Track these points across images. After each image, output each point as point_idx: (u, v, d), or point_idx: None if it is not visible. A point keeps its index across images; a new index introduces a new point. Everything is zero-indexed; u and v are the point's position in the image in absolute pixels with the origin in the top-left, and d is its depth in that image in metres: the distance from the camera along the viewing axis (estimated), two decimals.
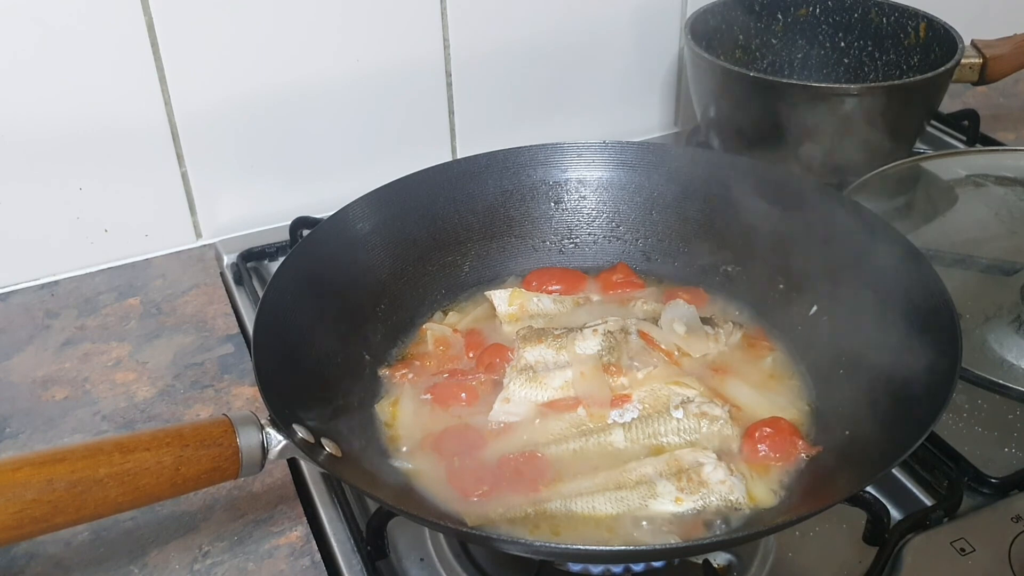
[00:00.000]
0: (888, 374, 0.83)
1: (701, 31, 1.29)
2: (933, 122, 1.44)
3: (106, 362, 1.03)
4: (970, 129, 1.40)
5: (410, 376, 0.92)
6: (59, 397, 0.98)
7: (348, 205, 0.97)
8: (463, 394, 0.89)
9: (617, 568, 0.78)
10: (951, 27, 1.27)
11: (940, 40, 1.27)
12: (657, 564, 0.79)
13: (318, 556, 0.81)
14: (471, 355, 0.95)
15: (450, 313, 1.01)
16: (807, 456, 0.82)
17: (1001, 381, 0.90)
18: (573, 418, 0.86)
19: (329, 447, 0.75)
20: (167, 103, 1.13)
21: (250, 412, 0.73)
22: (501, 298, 1.00)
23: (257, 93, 1.17)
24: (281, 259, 0.97)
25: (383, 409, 0.89)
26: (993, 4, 1.60)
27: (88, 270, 1.17)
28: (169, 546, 0.82)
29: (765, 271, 1.01)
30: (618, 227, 1.08)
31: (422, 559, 0.81)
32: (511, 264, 1.06)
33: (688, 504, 0.77)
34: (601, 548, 0.73)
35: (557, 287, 1.04)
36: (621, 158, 1.07)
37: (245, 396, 0.98)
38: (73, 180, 1.13)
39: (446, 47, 1.25)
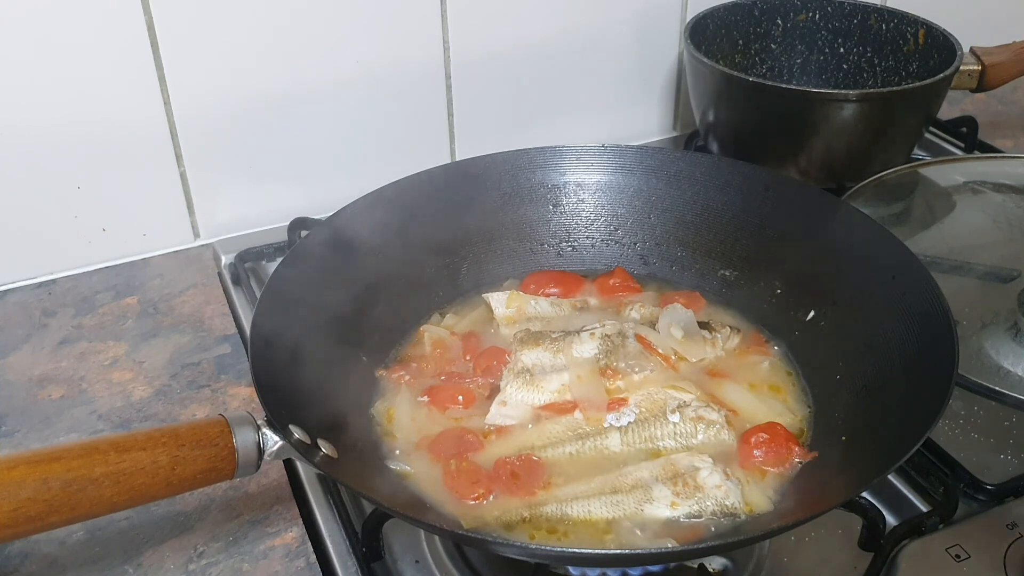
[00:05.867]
0: (885, 380, 0.83)
1: (700, 35, 1.29)
2: (931, 128, 1.44)
3: (103, 361, 1.03)
4: (968, 136, 1.41)
5: (407, 378, 0.92)
6: (55, 396, 0.98)
7: (346, 206, 0.97)
8: (460, 396, 0.89)
9: (613, 572, 0.78)
10: (950, 34, 1.27)
11: (939, 47, 1.28)
12: (653, 568, 0.79)
13: (313, 557, 0.81)
14: (468, 358, 0.95)
15: (447, 315, 1.01)
16: (803, 461, 0.82)
17: (998, 388, 0.90)
18: (570, 421, 0.86)
19: (325, 448, 0.75)
20: (166, 103, 1.13)
21: (246, 412, 0.72)
22: (499, 301, 1.00)
23: (257, 94, 1.17)
24: (279, 259, 0.97)
25: (380, 411, 0.89)
26: (992, 12, 1.60)
27: (85, 269, 1.17)
28: (164, 546, 0.81)
29: (763, 276, 1.01)
30: (616, 231, 1.08)
31: (417, 561, 0.81)
32: (509, 267, 1.06)
33: (684, 508, 0.77)
34: (597, 551, 0.73)
35: (555, 290, 1.04)
36: (620, 162, 1.07)
37: (242, 396, 0.98)
38: (71, 179, 1.12)
39: (446, 50, 1.25)
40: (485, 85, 1.30)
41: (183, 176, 1.18)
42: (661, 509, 0.77)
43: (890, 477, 0.86)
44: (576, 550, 0.73)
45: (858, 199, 1.15)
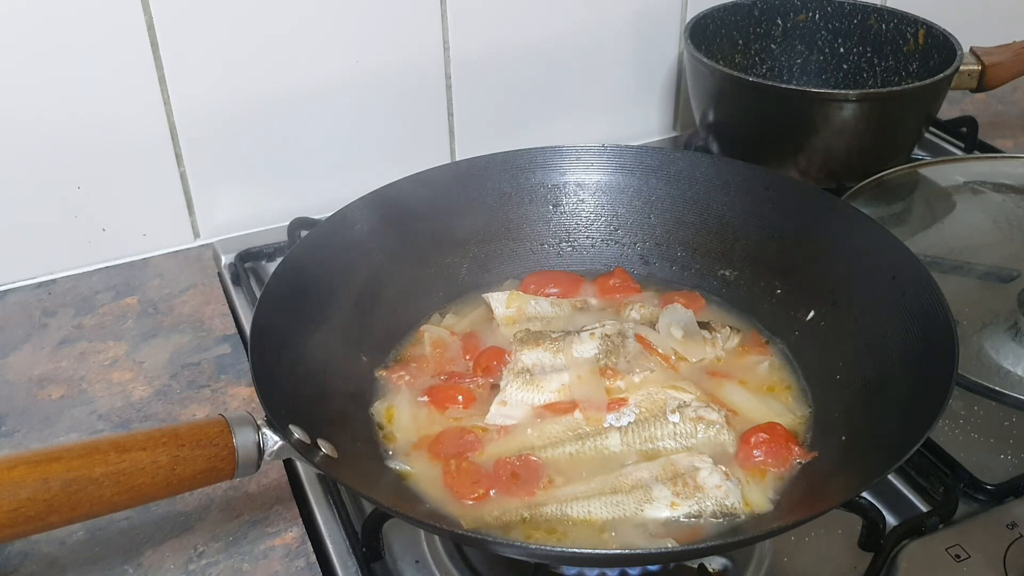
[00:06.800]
0: (885, 380, 0.83)
1: (700, 35, 1.29)
2: (931, 128, 1.44)
3: (103, 361, 1.03)
4: (968, 136, 1.41)
5: (407, 378, 0.92)
6: (55, 396, 0.98)
7: (346, 206, 0.97)
8: (460, 396, 0.89)
9: (612, 572, 0.78)
10: (950, 34, 1.27)
11: (939, 47, 1.28)
12: (653, 568, 0.79)
13: (313, 557, 0.81)
14: (468, 358, 0.95)
15: (448, 315, 1.01)
16: (803, 461, 0.82)
17: (997, 388, 0.90)
18: (570, 421, 0.86)
19: (325, 448, 0.75)
20: (166, 103, 1.13)
21: (246, 412, 0.72)
22: (499, 301, 1.00)
23: (257, 94, 1.17)
24: (279, 259, 0.97)
25: (380, 411, 0.89)
26: (992, 11, 1.60)
27: (86, 269, 1.17)
28: (164, 546, 0.81)
29: (763, 276, 1.01)
30: (616, 231, 1.08)
31: (417, 561, 0.81)
32: (509, 267, 1.06)
33: (684, 508, 0.77)
34: (597, 551, 0.73)
35: (555, 290, 1.04)
36: (620, 162, 1.07)
37: (242, 396, 0.98)
38: (72, 179, 1.12)
39: (446, 49, 1.25)
40: (485, 85, 1.30)
41: (183, 176, 1.18)
42: (661, 509, 0.77)
43: (890, 477, 0.86)
44: (576, 550, 0.73)
45: (858, 199, 1.15)
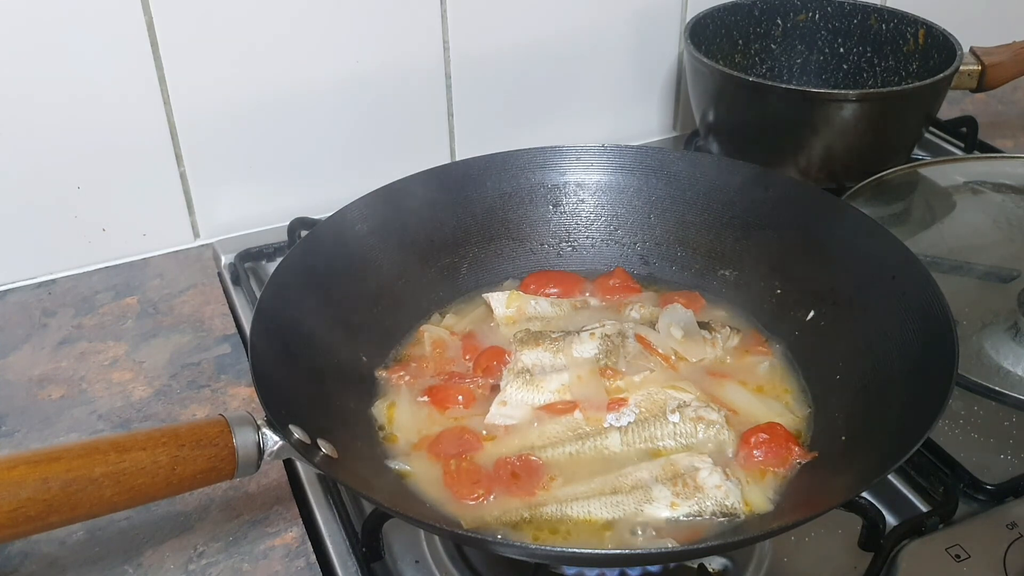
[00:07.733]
0: (885, 380, 0.83)
1: (700, 35, 1.29)
2: (931, 129, 1.44)
3: (103, 361, 1.03)
4: (968, 136, 1.41)
5: (407, 378, 0.92)
6: (55, 396, 0.98)
7: (346, 206, 0.97)
8: (460, 396, 0.89)
9: (612, 572, 0.78)
10: (950, 34, 1.27)
11: (939, 47, 1.28)
12: (652, 568, 0.79)
13: (313, 557, 0.81)
14: (468, 358, 0.95)
15: (447, 315, 1.01)
16: (803, 461, 0.82)
17: (997, 388, 0.90)
18: (570, 421, 0.86)
19: (325, 448, 0.75)
20: (166, 102, 1.13)
21: (246, 412, 0.72)
22: (499, 301, 1.00)
23: (257, 93, 1.17)
24: (279, 259, 0.97)
25: (380, 411, 0.89)
26: (992, 11, 1.60)
27: (85, 269, 1.17)
28: (164, 546, 0.81)
29: (762, 276, 1.01)
30: (616, 231, 1.08)
31: (417, 561, 0.81)
32: (509, 267, 1.06)
33: (684, 509, 0.77)
34: (596, 551, 0.73)
35: (555, 290, 1.04)
36: (620, 162, 1.07)
37: (242, 396, 0.98)
38: (71, 179, 1.12)
39: (446, 49, 1.25)
40: (485, 85, 1.30)
41: (183, 176, 1.18)
42: (661, 509, 0.77)
43: (890, 477, 0.86)
44: (576, 550, 0.73)
45: (858, 199, 1.15)
